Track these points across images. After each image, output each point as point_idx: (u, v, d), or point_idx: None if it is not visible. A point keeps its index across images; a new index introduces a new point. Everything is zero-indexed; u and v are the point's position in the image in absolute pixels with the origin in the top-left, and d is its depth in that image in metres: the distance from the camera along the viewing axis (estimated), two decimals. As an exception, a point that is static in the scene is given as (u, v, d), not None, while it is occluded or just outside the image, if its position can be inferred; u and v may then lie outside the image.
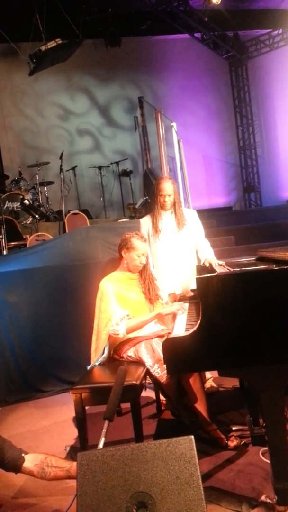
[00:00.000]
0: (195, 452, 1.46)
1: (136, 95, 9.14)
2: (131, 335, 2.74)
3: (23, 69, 7.67)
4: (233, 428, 2.63)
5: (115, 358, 2.82)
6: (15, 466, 2.05)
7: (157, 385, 2.93)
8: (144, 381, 2.60)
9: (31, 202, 6.57)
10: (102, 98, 9.27)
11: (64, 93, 9.01)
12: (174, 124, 6.20)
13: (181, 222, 3.30)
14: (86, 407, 2.52)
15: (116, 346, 2.81)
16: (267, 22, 9.16)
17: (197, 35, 9.20)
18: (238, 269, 2.36)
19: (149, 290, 2.94)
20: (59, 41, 6.78)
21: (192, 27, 8.87)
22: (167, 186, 3.28)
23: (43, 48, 6.77)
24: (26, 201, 6.25)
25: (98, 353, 2.80)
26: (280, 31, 9.20)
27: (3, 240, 5.49)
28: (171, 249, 3.30)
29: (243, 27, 9.35)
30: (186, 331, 2.13)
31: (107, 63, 8.99)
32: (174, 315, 2.72)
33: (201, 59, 9.57)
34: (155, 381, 2.70)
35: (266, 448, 2.19)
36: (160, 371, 2.54)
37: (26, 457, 2.07)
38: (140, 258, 2.88)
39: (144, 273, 2.97)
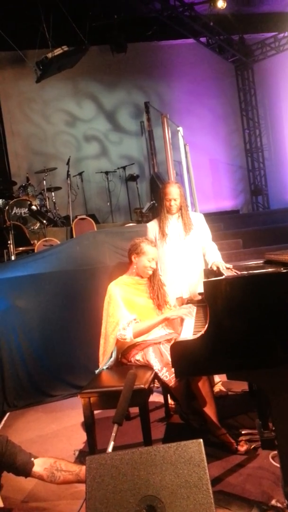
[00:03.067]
0: (204, 456, 1.45)
1: (142, 100, 9.19)
2: (139, 339, 2.74)
3: (30, 76, 7.74)
4: (243, 432, 2.62)
5: (123, 362, 2.82)
6: (25, 471, 2.06)
7: (166, 389, 2.93)
8: (152, 385, 2.60)
9: (38, 207, 6.61)
10: (109, 104, 9.33)
11: (70, 100, 9.08)
12: (180, 128, 6.22)
13: (188, 226, 3.31)
14: (95, 411, 2.53)
15: (124, 350, 2.82)
16: (272, 25, 9.17)
17: (203, 39, 9.23)
18: (246, 272, 2.36)
19: (158, 296, 2.93)
20: (65, 48, 6.84)
21: (197, 32, 8.90)
22: (173, 190, 3.29)
23: (49, 55, 6.84)
24: (33, 207, 6.29)
25: (106, 356, 2.80)
26: (286, 33, 9.19)
27: (12, 245, 5.53)
28: (178, 253, 3.31)
29: (249, 30, 9.37)
30: (194, 334, 2.13)
31: (113, 69, 9.05)
32: (182, 319, 2.72)
33: (207, 64, 9.59)
34: (164, 385, 2.70)
35: (276, 452, 2.17)
36: (168, 375, 2.54)
37: (36, 461, 2.08)
38: (150, 263, 2.88)
39: (153, 279, 2.96)
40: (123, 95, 9.38)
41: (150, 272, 2.92)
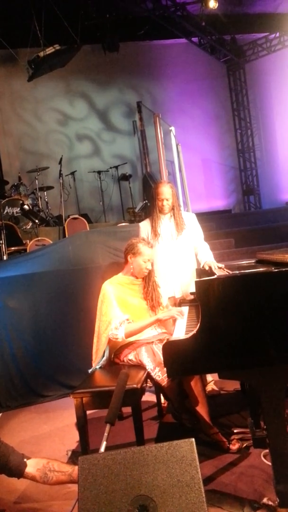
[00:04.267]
0: (196, 455, 1.46)
1: (135, 99, 9.19)
2: (131, 339, 2.74)
3: (21, 75, 7.71)
4: (235, 431, 2.63)
5: (115, 362, 2.82)
6: (18, 471, 2.05)
7: (159, 389, 2.93)
8: (144, 385, 2.61)
9: (30, 207, 6.58)
10: (101, 103, 9.31)
11: (63, 99, 9.05)
12: (172, 128, 6.23)
13: (180, 226, 3.32)
14: (87, 412, 2.52)
15: (117, 350, 2.82)
16: (264, 26, 9.22)
17: (195, 39, 9.25)
18: (238, 271, 2.37)
19: (152, 298, 2.93)
20: (57, 47, 6.82)
21: (189, 32, 8.91)
22: (165, 190, 3.29)
23: (41, 54, 6.81)
24: (26, 206, 6.27)
25: (98, 355, 2.81)
26: (277, 34, 9.25)
27: (3, 245, 5.50)
28: (171, 252, 3.31)
29: (240, 31, 9.40)
30: (186, 334, 2.14)
31: (105, 68, 9.03)
32: (174, 319, 2.72)
33: (199, 63, 9.61)
34: (156, 384, 2.71)
35: (267, 451, 2.18)
36: (161, 375, 2.55)
37: (29, 462, 2.07)
38: (146, 264, 2.89)
39: (148, 280, 2.96)
40: (115, 94, 9.36)
41: (146, 273, 2.92)
